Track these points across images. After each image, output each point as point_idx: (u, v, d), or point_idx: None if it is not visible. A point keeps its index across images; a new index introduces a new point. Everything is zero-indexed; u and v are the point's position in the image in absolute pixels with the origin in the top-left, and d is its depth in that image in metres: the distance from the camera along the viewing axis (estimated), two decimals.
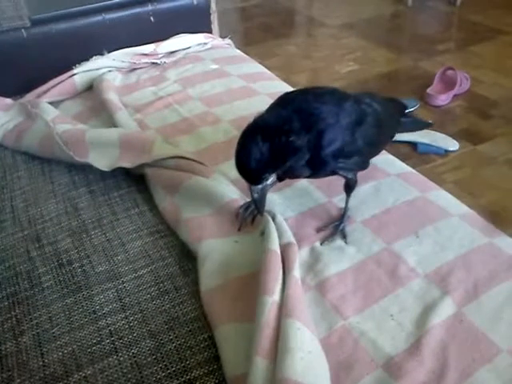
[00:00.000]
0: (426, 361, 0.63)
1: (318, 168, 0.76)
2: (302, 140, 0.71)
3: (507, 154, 1.69)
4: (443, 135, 1.77)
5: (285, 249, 0.75)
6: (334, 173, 0.79)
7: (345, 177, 0.82)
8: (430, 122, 1.31)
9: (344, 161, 0.77)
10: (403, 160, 1.02)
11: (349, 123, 0.76)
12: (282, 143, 0.69)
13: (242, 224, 0.83)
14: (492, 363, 0.62)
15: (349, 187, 0.85)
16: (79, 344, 0.68)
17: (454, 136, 1.77)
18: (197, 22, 1.73)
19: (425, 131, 1.80)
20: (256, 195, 0.73)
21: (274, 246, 0.74)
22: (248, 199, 0.87)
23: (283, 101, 0.79)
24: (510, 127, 1.84)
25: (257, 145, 0.68)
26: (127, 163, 0.97)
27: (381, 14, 3.04)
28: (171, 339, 0.67)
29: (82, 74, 1.36)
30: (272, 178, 0.73)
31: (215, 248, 0.78)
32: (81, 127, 1.12)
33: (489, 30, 2.65)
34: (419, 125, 1.21)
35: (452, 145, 1.73)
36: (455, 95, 2.02)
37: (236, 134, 1.12)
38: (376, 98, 0.86)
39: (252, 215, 0.84)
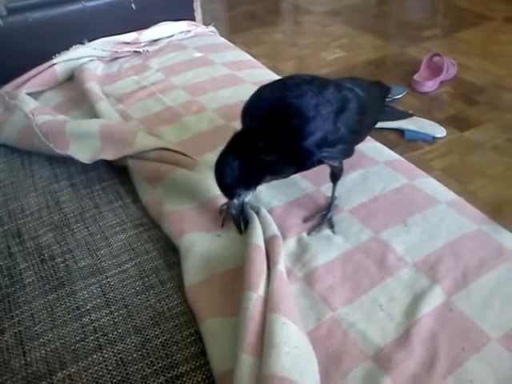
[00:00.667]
0: (415, 351, 0.62)
1: (302, 162, 0.76)
2: (272, 154, 0.72)
3: (494, 140, 1.69)
4: (430, 122, 1.77)
5: (269, 242, 0.74)
6: (320, 162, 0.78)
7: (331, 165, 0.81)
8: (411, 112, 1.32)
9: (328, 150, 0.76)
10: (391, 147, 1.02)
11: (330, 112, 0.74)
12: (253, 162, 0.72)
13: (226, 220, 0.82)
14: (482, 352, 0.62)
15: (335, 176, 0.84)
16: (62, 341, 0.66)
17: (441, 122, 1.77)
18: (180, 9, 1.70)
19: (412, 118, 1.80)
20: (234, 211, 0.75)
21: (258, 240, 0.72)
22: None
23: (259, 99, 0.77)
24: (497, 113, 1.84)
25: (228, 162, 0.71)
26: (109, 155, 0.95)
27: (367, 0, 3.02)
28: (157, 335, 0.65)
29: (62, 63, 1.33)
30: (250, 196, 0.76)
31: (197, 242, 0.76)
32: (61, 118, 1.10)
33: (475, 16, 2.64)
34: (400, 114, 1.22)
35: (439, 131, 1.73)
36: (442, 81, 2.02)
37: (221, 122, 1.11)
38: (358, 82, 0.86)
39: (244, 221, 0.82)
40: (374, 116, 0.89)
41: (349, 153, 0.84)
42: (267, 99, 0.77)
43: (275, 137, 0.72)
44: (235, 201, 0.74)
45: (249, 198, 0.76)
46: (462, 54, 2.25)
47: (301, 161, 0.75)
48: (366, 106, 0.81)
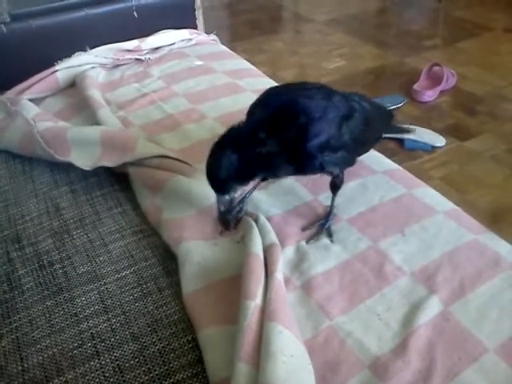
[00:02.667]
0: (412, 361, 0.62)
1: (303, 163, 0.75)
2: (271, 147, 0.71)
3: (493, 150, 1.70)
4: (430, 131, 1.78)
5: (268, 250, 0.74)
6: (321, 168, 0.78)
7: (331, 174, 0.81)
8: (412, 127, 1.34)
9: (330, 154, 0.76)
10: (390, 156, 1.02)
11: (336, 117, 0.75)
12: (249, 155, 0.71)
13: (224, 227, 0.82)
14: (478, 362, 0.62)
15: (335, 186, 0.84)
16: (60, 348, 0.66)
17: (440, 132, 1.77)
18: (181, 17, 1.71)
19: (412, 127, 1.80)
20: (222, 207, 0.74)
21: (256, 249, 0.73)
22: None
23: (267, 97, 0.78)
24: (496, 123, 1.85)
25: (224, 154, 0.70)
26: (109, 162, 0.95)
27: (367, 10, 3.04)
28: (154, 342, 0.66)
29: (64, 70, 1.34)
30: (239, 192, 0.75)
31: (195, 250, 0.77)
32: (62, 125, 1.10)
33: (474, 27, 2.66)
34: (401, 130, 1.26)
35: (439, 141, 1.73)
36: (441, 91, 2.03)
37: (221, 130, 1.10)
38: (365, 98, 0.87)
39: (234, 220, 0.82)
40: (378, 131, 0.91)
41: (350, 162, 0.84)
42: (280, 95, 0.77)
43: (282, 131, 0.71)
44: (226, 197, 0.73)
45: (237, 194, 0.75)
46: (462, 64, 2.26)
47: (301, 161, 0.74)
48: (371, 119, 0.83)
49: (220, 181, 0.72)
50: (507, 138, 1.75)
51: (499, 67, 2.25)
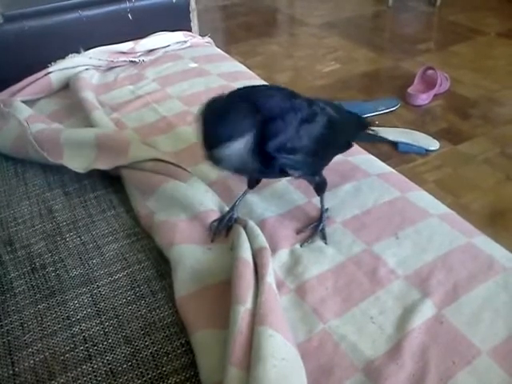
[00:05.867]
0: (406, 364, 0.62)
1: (265, 163, 0.73)
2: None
3: (486, 153, 1.71)
4: (424, 135, 1.78)
5: (257, 254, 0.73)
6: (281, 170, 0.75)
7: (294, 176, 0.80)
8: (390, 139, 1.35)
9: (287, 156, 0.73)
10: (384, 160, 1.02)
11: (294, 118, 0.74)
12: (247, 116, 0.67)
13: (216, 236, 0.81)
14: (472, 365, 0.62)
15: (318, 188, 0.84)
16: (52, 351, 0.65)
17: (434, 135, 1.78)
18: (176, 19, 1.71)
19: (405, 131, 1.81)
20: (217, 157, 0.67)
21: (245, 254, 0.72)
22: (226, 208, 0.86)
23: (231, 96, 0.74)
24: (489, 127, 1.86)
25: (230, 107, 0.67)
26: (103, 165, 0.95)
27: (362, 14, 3.05)
28: (147, 345, 0.65)
29: (57, 72, 1.33)
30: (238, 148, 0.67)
31: (188, 254, 0.76)
32: (56, 127, 1.10)
33: (468, 31, 2.68)
34: (374, 138, 1.23)
35: (432, 144, 1.74)
36: (435, 95, 2.04)
37: None
38: (334, 105, 0.85)
39: (226, 227, 0.82)
40: (345, 137, 0.89)
41: (315, 167, 0.82)
42: (242, 96, 0.74)
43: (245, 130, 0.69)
44: (222, 149, 0.66)
45: (235, 149, 0.67)
46: (455, 67, 2.27)
47: (263, 160, 0.72)
48: (336, 123, 0.80)
49: (218, 129, 0.66)
50: (500, 141, 1.76)
51: (492, 71, 2.27)
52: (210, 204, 0.86)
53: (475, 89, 2.11)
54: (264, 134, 0.70)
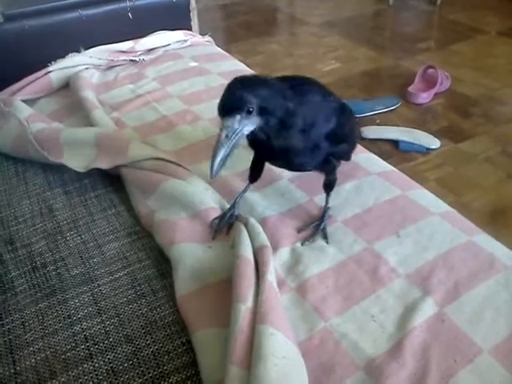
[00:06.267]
0: (407, 362, 0.62)
1: (311, 153, 0.75)
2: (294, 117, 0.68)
3: (487, 152, 1.70)
4: (425, 133, 1.78)
5: (258, 252, 0.73)
6: (324, 160, 0.78)
7: (327, 173, 0.82)
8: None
9: (335, 146, 0.77)
10: (385, 158, 1.02)
11: (336, 109, 0.77)
12: (277, 101, 0.65)
13: (217, 233, 0.81)
14: (473, 364, 0.62)
15: (329, 185, 0.84)
16: (53, 350, 0.65)
17: (435, 134, 1.78)
18: (176, 18, 1.71)
19: (406, 129, 1.81)
20: (223, 135, 0.62)
21: (246, 252, 0.72)
22: (227, 205, 0.85)
23: (286, 80, 0.75)
24: (490, 125, 1.86)
25: (257, 78, 0.66)
26: (103, 164, 0.95)
27: (362, 13, 3.05)
28: (148, 344, 0.65)
29: (57, 71, 1.33)
30: (248, 127, 0.63)
31: (188, 253, 0.76)
32: (56, 126, 1.09)
33: (469, 30, 2.67)
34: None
35: (433, 143, 1.74)
36: (436, 93, 2.04)
37: (216, 132, 1.10)
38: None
39: (227, 225, 0.82)
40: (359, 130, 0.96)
41: (348, 156, 0.87)
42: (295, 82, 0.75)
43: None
44: (235, 122, 0.62)
45: (249, 130, 0.64)
46: (456, 66, 2.27)
47: (310, 151, 0.73)
48: (353, 118, 0.86)
49: (239, 94, 0.62)
50: (501, 139, 1.76)
51: (493, 70, 2.26)
52: (211, 202, 0.86)
53: (476, 87, 2.10)
54: (313, 122, 0.71)
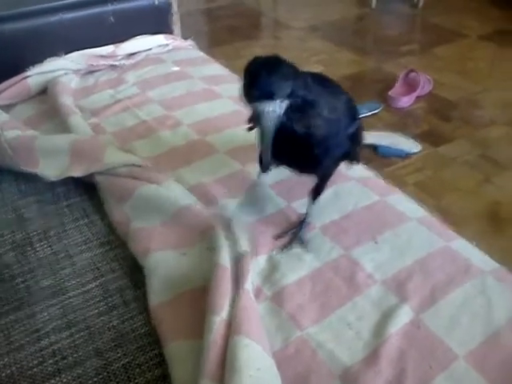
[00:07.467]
0: (383, 370, 0.61)
1: (330, 147, 0.73)
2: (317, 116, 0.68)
3: (466, 156, 1.71)
4: (405, 137, 1.78)
5: (237, 260, 0.72)
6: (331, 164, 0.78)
7: (325, 177, 0.82)
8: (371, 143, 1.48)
9: (354, 146, 0.79)
10: (365, 163, 1.02)
11: (356, 109, 0.81)
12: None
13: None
14: (449, 370, 0.61)
15: (318, 191, 0.82)
16: (18, 366, 0.63)
17: (416, 138, 1.79)
18: (158, 23, 1.69)
19: (386, 134, 1.81)
20: (269, 121, 0.60)
21: (223, 260, 0.71)
22: (205, 208, 0.84)
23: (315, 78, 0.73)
24: (469, 129, 1.87)
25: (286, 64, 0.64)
26: (77, 172, 0.93)
27: (345, 17, 3.06)
28: (119, 357, 0.64)
29: (35, 76, 1.31)
30: (282, 109, 0.62)
31: (162, 261, 0.75)
32: (31, 134, 1.07)
33: (450, 33, 2.70)
34: None
35: (414, 147, 1.74)
36: (417, 97, 2.05)
37: (196, 137, 1.10)
38: None
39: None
40: None
41: (359, 158, 0.88)
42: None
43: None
44: (276, 106, 0.60)
45: (280, 108, 0.61)
46: (438, 69, 2.29)
47: (330, 137, 0.71)
48: None
49: (267, 78, 0.61)
50: (480, 143, 1.77)
51: (474, 73, 2.28)
52: (187, 201, 0.85)
53: (457, 91, 2.12)
54: (332, 111, 0.70)
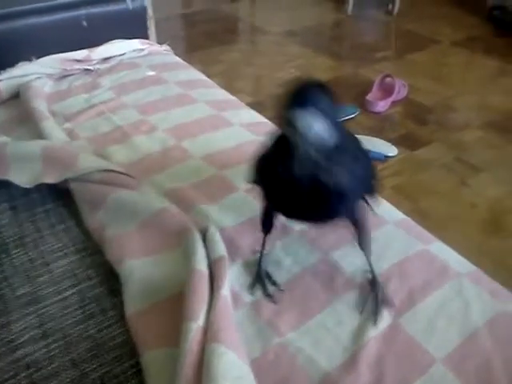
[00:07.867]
0: (362, 375, 0.62)
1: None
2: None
3: (443, 159, 1.74)
4: (382, 141, 1.81)
5: (214, 264, 0.71)
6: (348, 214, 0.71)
7: (358, 219, 0.75)
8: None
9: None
10: None
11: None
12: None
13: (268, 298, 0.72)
14: (428, 374, 0.62)
15: (365, 239, 0.75)
16: None
17: (393, 142, 1.81)
18: (133, 27, 1.68)
19: (364, 137, 1.83)
20: (301, 124, 0.56)
21: (200, 265, 0.70)
22: (182, 213, 0.83)
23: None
24: (445, 132, 1.90)
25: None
26: (50, 179, 0.91)
27: (322, 22, 3.09)
28: (95, 368, 0.62)
29: (6, 80, 1.28)
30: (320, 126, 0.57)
31: (137, 268, 0.73)
32: (2, 140, 1.04)
33: (424, 39, 2.75)
34: None
35: (391, 150, 1.77)
36: (393, 102, 2.08)
37: (172, 142, 1.09)
38: None
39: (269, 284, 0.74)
40: None
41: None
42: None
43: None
44: (307, 112, 0.57)
45: (318, 123, 0.58)
46: (412, 75, 2.32)
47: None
48: None
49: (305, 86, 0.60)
50: (455, 146, 1.81)
51: (447, 78, 2.33)
52: (161, 204, 0.84)
53: (431, 95, 2.16)
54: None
